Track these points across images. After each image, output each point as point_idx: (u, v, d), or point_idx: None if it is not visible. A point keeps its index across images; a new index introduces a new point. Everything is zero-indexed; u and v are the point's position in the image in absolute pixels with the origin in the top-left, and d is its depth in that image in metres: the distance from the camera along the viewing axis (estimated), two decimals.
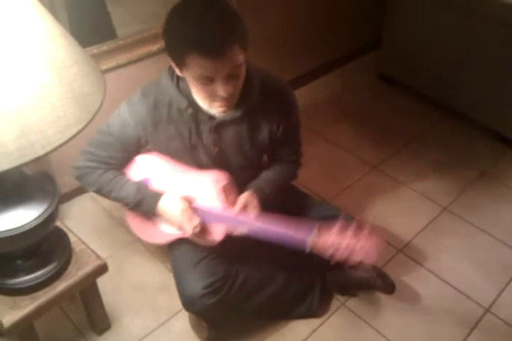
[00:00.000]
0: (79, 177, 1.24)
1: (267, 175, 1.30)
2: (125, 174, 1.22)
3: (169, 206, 1.15)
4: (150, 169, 1.20)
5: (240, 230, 1.13)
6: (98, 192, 1.23)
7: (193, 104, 1.10)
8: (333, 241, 1.06)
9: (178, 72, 1.05)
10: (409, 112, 2.38)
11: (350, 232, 1.05)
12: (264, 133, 1.20)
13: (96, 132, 1.19)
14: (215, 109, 1.07)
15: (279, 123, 1.21)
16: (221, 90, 1.00)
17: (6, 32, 0.70)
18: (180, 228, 1.16)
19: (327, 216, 1.34)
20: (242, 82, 1.05)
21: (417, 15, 2.22)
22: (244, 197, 1.18)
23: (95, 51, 1.51)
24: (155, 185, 1.19)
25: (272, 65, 2.19)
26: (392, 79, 2.52)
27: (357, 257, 1.05)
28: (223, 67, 0.96)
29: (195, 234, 1.13)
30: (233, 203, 1.16)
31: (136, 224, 1.28)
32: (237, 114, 1.12)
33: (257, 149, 1.24)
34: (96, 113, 0.84)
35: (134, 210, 1.21)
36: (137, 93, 1.14)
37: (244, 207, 1.16)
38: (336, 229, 1.07)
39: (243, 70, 1.03)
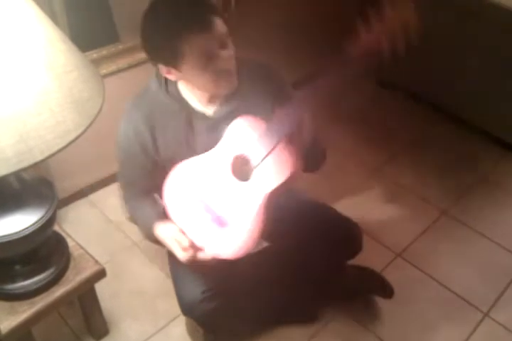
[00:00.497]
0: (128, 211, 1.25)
1: None
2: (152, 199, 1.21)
3: (162, 234, 1.13)
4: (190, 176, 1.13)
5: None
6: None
7: (185, 106, 1.10)
8: (375, 28, 1.00)
9: (170, 75, 1.04)
10: (408, 116, 2.39)
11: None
12: (263, 111, 1.16)
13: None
14: (223, 89, 1.05)
15: (274, 107, 1.19)
16: (225, 59, 1.00)
17: (6, 37, 0.70)
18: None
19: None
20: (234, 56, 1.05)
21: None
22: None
23: (95, 56, 1.51)
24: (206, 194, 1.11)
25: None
26: (391, 82, 2.52)
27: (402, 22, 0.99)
28: (216, 36, 0.97)
29: (191, 259, 1.08)
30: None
31: None
32: (230, 108, 1.11)
33: None
34: (95, 118, 0.83)
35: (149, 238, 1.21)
36: (127, 107, 1.13)
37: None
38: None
39: (231, 42, 1.03)
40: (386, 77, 2.54)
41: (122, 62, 1.60)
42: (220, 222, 1.07)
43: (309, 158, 1.13)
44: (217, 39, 0.98)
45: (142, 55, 1.64)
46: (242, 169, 1.08)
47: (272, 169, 1.03)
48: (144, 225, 1.17)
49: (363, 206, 1.90)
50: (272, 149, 1.01)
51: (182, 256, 1.06)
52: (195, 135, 1.14)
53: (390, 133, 2.28)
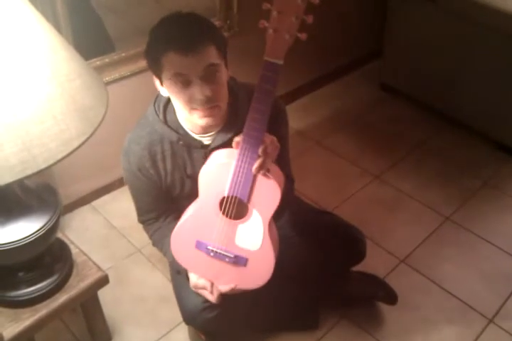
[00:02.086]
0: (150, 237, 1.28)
1: None
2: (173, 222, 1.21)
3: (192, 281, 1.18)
4: (189, 231, 1.13)
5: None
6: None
7: (183, 135, 1.08)
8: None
9: (161, 88, 1.04)
10: (410, 122, 2.39)
11: None
12: None
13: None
14: (197, 121, 1.02)
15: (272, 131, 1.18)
16: (198, 91, 0.96)
17: (9, 45, 0.71)
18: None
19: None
20: (225, 93, 1.02)
21: (417, 24, 2.24)
22: None
23: (98, 63, 1.52)
24: (204, 238, 1.12)
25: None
26: (393, 88, 2.53)
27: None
28: (197, 63, 0.94)
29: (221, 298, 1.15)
30: None
31: None
32: (229, 136, 1.08)
33: None
34: (98, 126, 0.84)
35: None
36: (125, 144, 1.13)
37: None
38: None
39: (222, 76, 1.00)
40: (389, 82, 2.55)
41: (125, 70, 1.61)
42: (240, 261, 1.11)
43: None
44: (199, 65, 0.94)
45: (144, 63, 1.66)
46: (234, 209, 1.07)
47: (263, 197, 1.02)
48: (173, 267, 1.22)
49: (366, 212, 1.90)
50: (253, 180, 1.00)
51: (212, 299, 1.13)
52: (193, 163, 1.13)
53: (393, 139, 2.28)
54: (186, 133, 1.09)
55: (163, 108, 1.09)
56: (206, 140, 1.09)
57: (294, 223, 1.38)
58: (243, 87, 1.11)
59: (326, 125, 2.35)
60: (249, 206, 1.03)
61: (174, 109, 1.08)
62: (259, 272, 1.12)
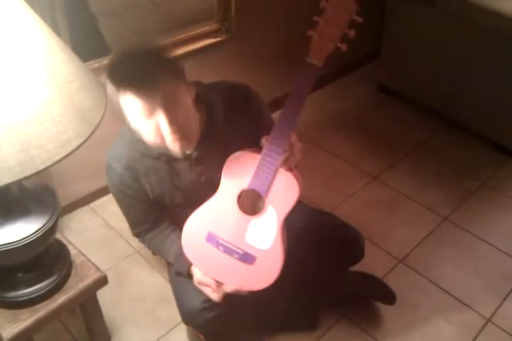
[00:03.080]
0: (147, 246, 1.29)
1: None
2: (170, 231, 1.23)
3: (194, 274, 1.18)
4: (203, 221, 1.13)
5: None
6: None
7: (164, 151, 1.04)
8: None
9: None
10: (408, 123, 2.39)
11: None
12: (243, 140, 1.14)
13: None
14: (170, 145, 0.99)
15: (251, 125, 1.16)
16: (164, 125, 0.93)
17: (7, 47, 0.71)
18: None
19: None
20: (195, 115, 1.00)
21: (415, 26, 2.25)
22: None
23: (96, 65, 1.53)
24: (217, 231, 1.11)
25: (271, 78, 2.22)
26: (391, 90, 2.54)
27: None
28: (155, 99, 0.92)
29: (223, 297, 1.14)
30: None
31: None
32: (209, 143, 1.07)
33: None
34: (97, 127, 0.84)
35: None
36: (106, 163, 1.14)
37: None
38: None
39: (184, 97, 0.97)
40: (387, 84, 2.55)
41: None
42: (248, 259, 1.10)
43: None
44: (158, 100, 0.91)
45: None
46: (251, 204, 1.09)
47: (282, 193, 1.05)
48: (177, 259, 1.20)
49: (365, 212, 1.90)
50: (274, 175, 1.02)
51: (215, 297, 1.13)
52: (179, 173, 1.13)
53: (391, 140, 2.29)
54: (166, 149, 1.02)
55: None
56: (187, 151, 1.07)
57: (292, 223, 1.39)
58: (212, 90, 1.09)
59: (324, 127, 2.36)
60: (266, 202, 1.05)
61: None
62: (265, 273, 1.11)
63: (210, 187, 1.13)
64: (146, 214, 1.21)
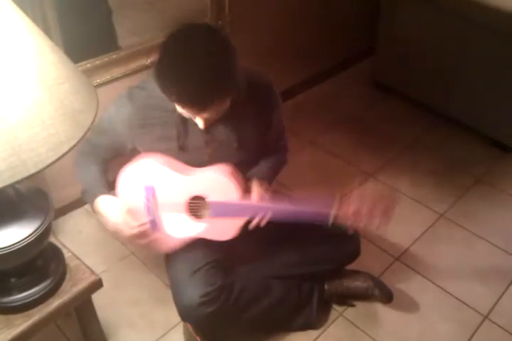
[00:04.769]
0: (74, 164, 1.28)
1: (265, 164, 1.32)
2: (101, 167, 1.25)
3: (106, 207, 1.16)
4: (152, 174, 1.17)
5: (264, 219, 1.15)
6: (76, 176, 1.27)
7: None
8: (354, 208, 1.08)
9: None
10: (404, 119, 2.39)
11: (368, 198, 1.08)
12: (254, 126, 1.21)
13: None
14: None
15: (267, 116, 1.23)
16: (200, 123, 1.04)
17: None
18: (115, 232, 1.16)
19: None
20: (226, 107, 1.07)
21: (410, 22, 2.24)
22: (256, 184, 1.19)
23: (88, 65, 1.51)
24: (160, 190, 1.17)
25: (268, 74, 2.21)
26: (386, 86, 2.53)
27: (376, 220, 1.08)
28: (205, 114, 1.02)
29: (135, 239, 1.15)
30: (247, 192, 1.17)
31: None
32: (225, 119, 1.12)
33: (250, 143, 1.23)
34: (88, 129, 0.83)
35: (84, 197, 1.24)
36: (123, 95, 1.14)
37: (260, 194, 1.17)
38: (354, 197, 1.09)
39: (227, 103, 1.05)
40: (382, 80, 2.55)
41: (116, 72, 1.60)
42: (153, 225, 1.18)
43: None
44: (208, 115, 1.02)
45: (136, 64, 1.66)
46: (196, 208, 1.18)
47: (220, 226, 1.19)
48: (88, 188, 1.20)
49: None
50: (230, 216, 1.16)
51: (128, 233, 1.13)
52: (188, 135, 1.14)
53: (387, 137, 2.29)
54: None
55: None
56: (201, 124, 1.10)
57: (288, 221, 1.38)
58: (241, 74, 1.08)
59: (319, 124, 2.35)
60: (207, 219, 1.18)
61: None
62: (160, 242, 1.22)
63: (209, 161, 1.17)
64: (106, 149, 1.22)
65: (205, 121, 1.05)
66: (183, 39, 0.95)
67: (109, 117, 1.16)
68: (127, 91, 1.14)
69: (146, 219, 1.16)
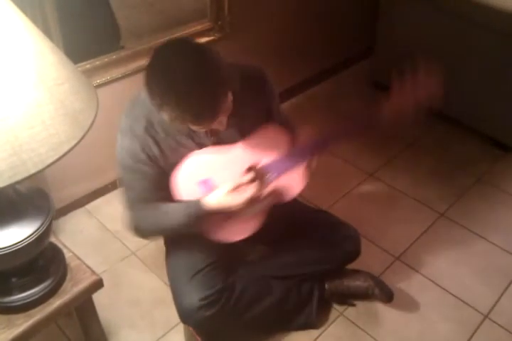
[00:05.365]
0: (135, 230, 1.21)
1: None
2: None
3: (215, 199, 1.11)
4: (201, 168, 1.16)
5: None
6: (155, 231, 1.21)
7: None
8: (407, 89, 1.11)
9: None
10: None
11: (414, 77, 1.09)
12: (255, 119, 1.21)
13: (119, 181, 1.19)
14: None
15: (265, 105, 1.23)
16: (219, 126, 1.04)
17: None
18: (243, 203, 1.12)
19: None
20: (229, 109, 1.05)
21: (410, 22, 2.24)
22: (300, 128, 1.24)
23: (88, 66, 1.52)
24: (217, 179, 1.15)
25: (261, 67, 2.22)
26: (386, 86, 2.52)
27: (431, 91, 1.11)
28: (217, 120, 1.01)
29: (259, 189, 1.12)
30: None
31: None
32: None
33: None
34: (88, 129, 0.83)
35: (188, 226, 1.15)
36: (126, 121, 1.12)
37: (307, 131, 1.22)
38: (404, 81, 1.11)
39: (229, 108, 1.03)
40: (382, 80, 2.55)
41: (116, 72, 1.61)
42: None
43: None
44: (214, 123, 1.01)
45: (135, 65, 1.66)
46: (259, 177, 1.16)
47: (285, 186, 1.18)
48: (185, 211, 1.13)
49: (361, 210, 1.90)
50: (287, 171, 1.16)
51: (256, 189, 1.10)
52: (200, 138, 1.15)
53: (387, 137, 2.29)
54: None
55: None
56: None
57: (288, 222, 1.38)
58: (234, 68, 1.08)
59: (318, 123, 2.35)
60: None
61: None
62: (235, 230, 1.22)
63: None
64: (155, 190, 1.15)
65: (221, 126, 1.05)
66: (164, 61, 0.95)
67: (128, 157, 1.12)
68: (126, 119, 1.12)
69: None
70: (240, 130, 1.18)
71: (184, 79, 0.92)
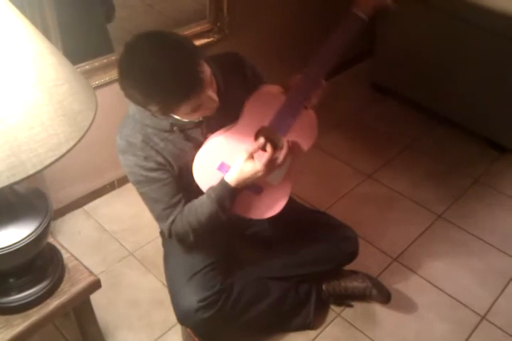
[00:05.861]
0: (179, 240, 1.20)
1: None
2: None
3: (236, 171, 1.11)
4: (213, 156, 1.15)
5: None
6: (194, 231, 1.18)
7: (175, 121, 1.09)
8: None
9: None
10: (401, 121, 2.40)
11: None
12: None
13: (144, 199, 1.18)
14: (192, 117, 1.07)
15: (250, 87, 1.20)
16: (211, 102, 1.01)
17: None
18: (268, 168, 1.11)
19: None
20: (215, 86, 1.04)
21: (408, 24, 2.25)
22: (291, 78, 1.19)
23: (87, 67, 1.52)
24: (231, 159, 1.14)
25: (264, 76, 2.22)
26: (384, 88, 2.54)
27: None
28: (205, 93, 0.98)
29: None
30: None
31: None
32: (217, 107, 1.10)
33: None
34: (87, 130, 0.84)
35: (224, 210, 1.15)
36: (121, 141, 1.11)
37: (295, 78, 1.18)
38: None
39: (212, 79, 1.02)
40: (380, 82, 2.56)
41: (114, 73, 1.60)
42: (255, 189, 1.19)
43: None
44: (207, 91, 0.98)
45: None
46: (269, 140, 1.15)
47: (302, 132, 1.18)
48: (215, 199, 1.13)
49: (359, 211, 1.91)
50: (295, 118, 1.13)
51: (271, 150, 1.10)
52: (196, 143, 1.15)
53: (384, 138, 2.30)
54: (176, 119, 1.09)
55: None
56: (195, 119, 1.11)
57: (286, 223, 1.39)
58: (211, 59, 1.08)
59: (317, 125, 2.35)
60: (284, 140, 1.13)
61: None
62: (269, 205, 1.19)
63: None
64: (177, 190, 1.15)
65: (212, 102, 1.02)
66: (129, 55, 0.98)
67: (138, 171, 1.12)
68: (120, 138, 1.12)
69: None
70: (236, 118, 1.16)
71: (152, 58, 0.93)
